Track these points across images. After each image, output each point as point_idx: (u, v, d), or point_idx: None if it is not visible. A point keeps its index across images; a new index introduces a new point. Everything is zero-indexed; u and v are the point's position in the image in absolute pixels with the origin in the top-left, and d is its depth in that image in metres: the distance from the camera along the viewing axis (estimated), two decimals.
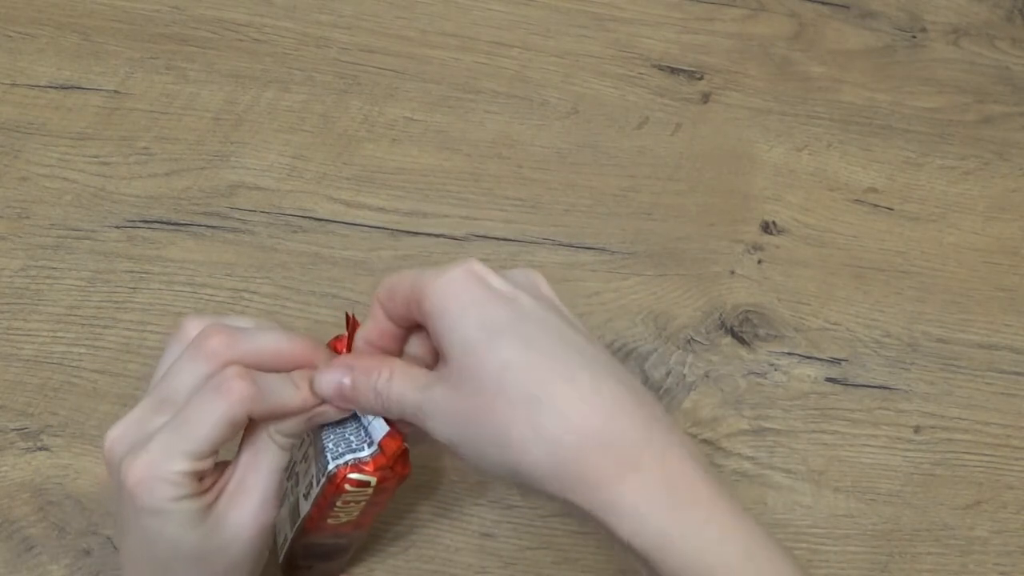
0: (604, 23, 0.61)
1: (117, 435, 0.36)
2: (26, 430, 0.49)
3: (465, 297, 0.34)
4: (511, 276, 0.36)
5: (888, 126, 0.60)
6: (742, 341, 0.54)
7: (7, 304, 0.51)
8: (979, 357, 0.55)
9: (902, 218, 0.58)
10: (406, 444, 0.38)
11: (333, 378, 0.37)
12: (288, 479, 0.40)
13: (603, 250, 0.55)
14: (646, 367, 0.53)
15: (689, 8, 0.62)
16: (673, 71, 0.60)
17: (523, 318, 0.34)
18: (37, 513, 0.47)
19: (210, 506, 0.36)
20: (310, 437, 0.41)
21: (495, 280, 0.35)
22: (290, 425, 0.37)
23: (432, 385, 0.35)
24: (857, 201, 0.58)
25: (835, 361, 0.54)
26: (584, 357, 0.34)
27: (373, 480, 0.38)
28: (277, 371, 0.37)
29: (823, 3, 0.63)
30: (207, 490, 0.36)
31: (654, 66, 0.60)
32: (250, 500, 0.36)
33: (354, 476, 0.38)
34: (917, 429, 0.53)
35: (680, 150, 0.58)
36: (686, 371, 0.53)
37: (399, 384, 0.36)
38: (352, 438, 0.39)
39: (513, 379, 0.33)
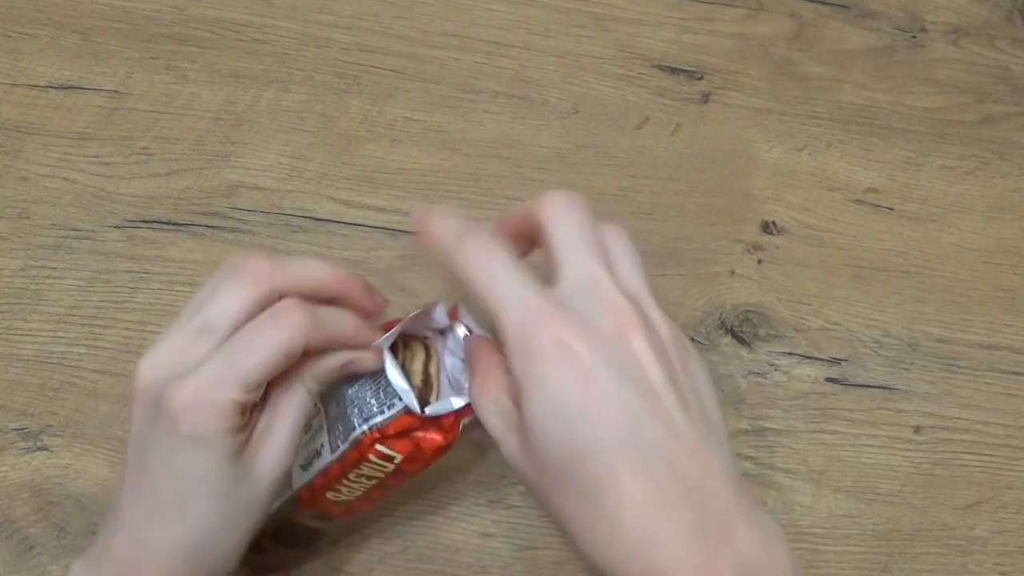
0: (604, 23, 0.61)
1: (154, 363, 0.35)
2: (26, 430, 0.49)
3: (542, 368, 0.31)
4: (598, 330, 0.32)
5: (888, 126, 0.60)
6: (742, 341, 0.54)
7: (7, 304, 0.51)
8: (979, 357, 0.55)
9: (902, 218, 0.58)
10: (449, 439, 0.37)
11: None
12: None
13: None
14: None
15: (689, 8, 0.62)
16: (673, 71, 0.60)
17: (597, 406, 0.31)
18: (37, 513, 0.47)
19: (244, 445, 0.35)
20: (320, 408, 0.39)
21: (579, 347, 0.31)
22: (326, 368, 0.36)
23: (510, 431, 0.34)
24: (857, 201, 0.58)
25: (835, 361, 0.54)
26: (654, 458, 0.31)
27: (399, 457, 0.37)
28: (319, 301, 0.36)
29: (823, 3, 0.63)
30: (245, 427, 0.35)
31: (654, 66, 0.60)
32: (277, 444, 0.36)
33: (381, 448, 0.37)
34: (917, 429, 0.53)
35: (680, 150, 0.58)
36: None
37: (489, 401, 0.35)
38: (373, 401, 0.37)
39: (571, 471, 0.31)
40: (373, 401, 0.38)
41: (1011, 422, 0.54)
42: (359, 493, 0.39)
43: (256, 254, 0.36)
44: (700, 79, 0.60)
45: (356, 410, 0.38)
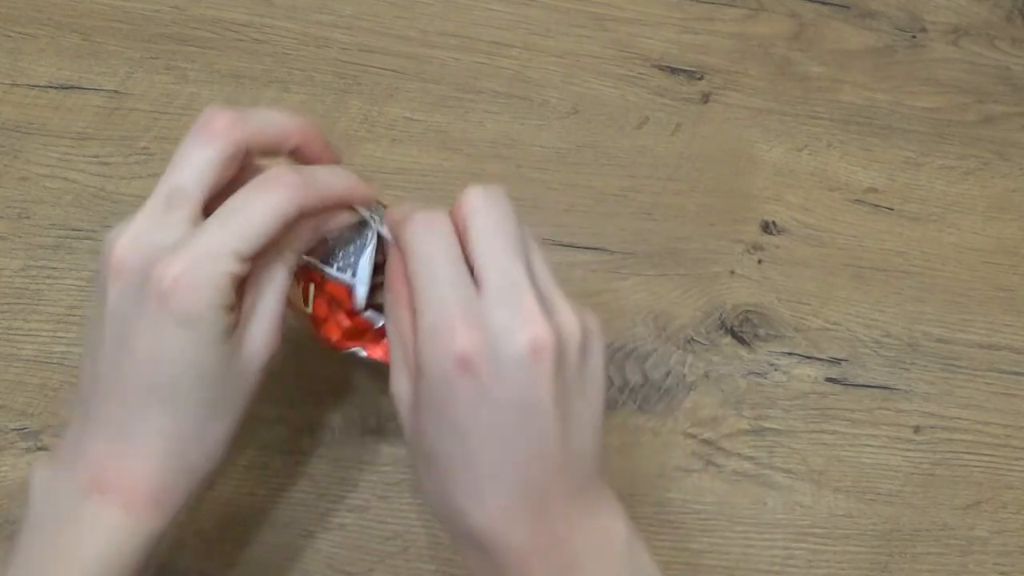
0: (604, 23, 0.61)
1: (129, 240, 0.33)
2: (26, 430, 0.49)
3: (436, 365, 0.32)
4: (498, 343, 0.32)
5: (888, 126, 0.60)
6: (742, 341, 0.54)
7: (7, 304, 0.51)
8: (979, 357, 0.55)
9: (902, 218, 0.58)
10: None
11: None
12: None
13: (603, 250, 0.55)
14: (646, 367, 0.53)
15: (689, 8, 0.62)
16: (673, 71, 0.60)
17: (480, 402, 0.32)
18: None
19: (233, 325, 0.33)
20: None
21: (478, 362, 0.32)
22: (303, 237, 0.35)
23: (402, 385, 0.35)
24: (857, 201, 0.58)
25: (835, 361, 0.54)
26: (516, 457, 0.33)
27: (310, 311, 0.38)
28: (283, 151, 0.35)
29: (823, 3, 0.63)
30: (236, 304, 0.33)
31: (654, 66, 0.60)
32: (266, 324, 0.34)
33: (309, 293, 0.38)
34: (917, 429, 0.53)
35: (680, 150, 0.58)
36: (686, 371, 0.53)
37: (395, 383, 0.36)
38: (340, 253, 0.38)
39: (439, 445, 0.33)
40: (340, 253, 0.37)
41: (1011, 422, 0.54)
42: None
43: (215, 106, 0.34)
44: (700, 79, 0.60)
45: (339, 247, 0.37)
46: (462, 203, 0.34)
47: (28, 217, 0.53)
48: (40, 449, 0.48)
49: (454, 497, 0.33)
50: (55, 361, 0.50)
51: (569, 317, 0.34)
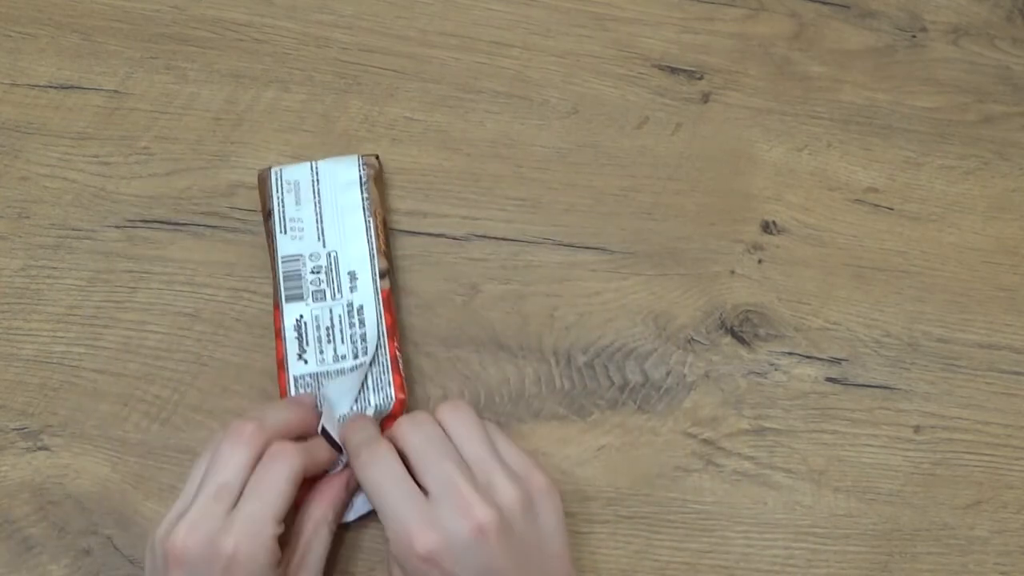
0: (604, 23, 0.61)
1: (188, 529, 0.40)
2: (26, 430, 0.49)
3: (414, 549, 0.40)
4: (458, 536, 0.40)
5: (888, 126, 0.60)
6: (742, 341, 0.54)
7: (7, 304, 0.51)
8: (979, 357, 0.55)
9: (902, 218, 0.58)
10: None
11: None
12: None
13: (603, 250, 0.55)
14: (646, 367, 0.53)
15: (689, 8, 0.62)
16: (673, 71, 0.60)
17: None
18: (37, 513, 0.47)
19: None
20: None
21: (444, 554, 0.40)
22: (340, 499, 0.45)
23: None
24: (857, 201, 0.58)
25: (835, 361, 0.54)
26: None
27: None
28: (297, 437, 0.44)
29: (823, 3, 0.63)
30: (281, 561, 0.41)
31: (654, 66, 0.60)
32: (312, 572, 0.43)
33: None
34: (917, 429, 0.53)
35: (680, 150, 0.58)
36: (686, 371, 0.53)
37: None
38: None
39: None
40: None
41: (1011, 422, 0.54)
42: None
43: (240, 419, 0.43)
44: (700, 79, 0.60)
45: None
46: (393, 434, 0.44)
47: (28, 217, 0.53)
48: (40, 449, 0.48)
49: None
50: (55, 361, 0.50)
51: (508, 491, 0.42)
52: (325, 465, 0.45)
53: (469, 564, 0.40)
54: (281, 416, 0.44)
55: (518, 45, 0.59)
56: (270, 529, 0.40)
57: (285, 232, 0.50)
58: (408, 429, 0.44)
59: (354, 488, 0.46)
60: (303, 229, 0.50)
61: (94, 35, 0.57)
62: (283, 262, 0.49)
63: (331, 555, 0.47)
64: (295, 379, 0.47)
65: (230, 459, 0.42)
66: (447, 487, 0.41)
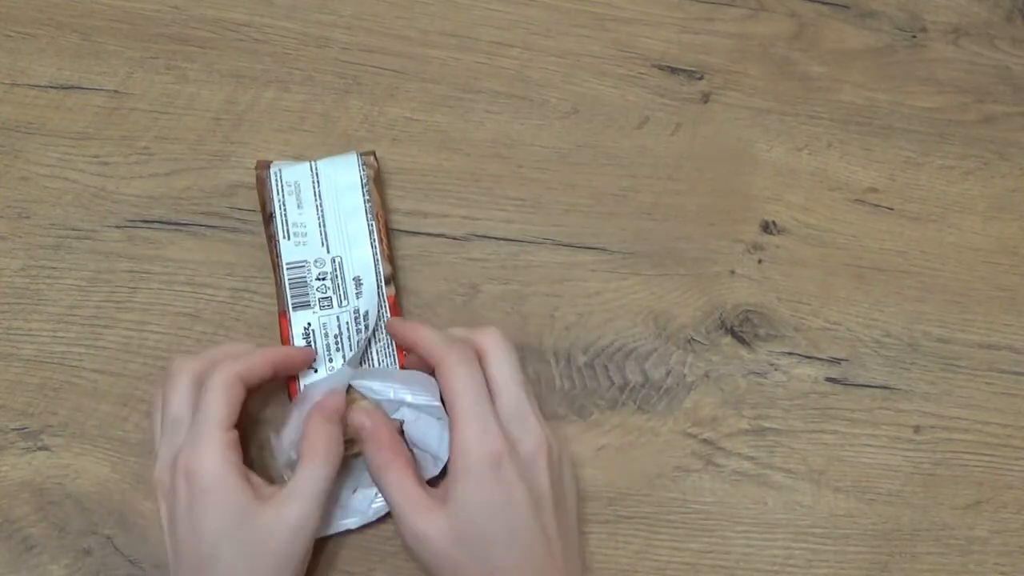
0: (604, 23, 0.61)
1: (158, 467, 0.43)
2: (26, 430, 0.49)
3: (476, 473, 0.42)
4: (520, 455, 0.43)
5: (888, 126, 0.60)
6: (742, 341, 0.54)
7: (7, 304, 0.51)
8: (979, 357, 0.55)
9: (902, 218, 0.58)
10: None
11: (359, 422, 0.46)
12: None
13: (603, 250, 0.55)
14: (646, 367, 0.53)
15: (689, 8, 0.62)
16: (673, 71, 0.60)
17: (506, 505, 0.42)
18: (37, 513, 0.47)
19: (260, 500, 0.42)
20: None
21: (509, 472, 0.42)
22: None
23: (421, 520, 0.43)
24: (857, 201, 0.58)
25: (835, 361, 0.54)
26: (532, 556, 0.42)
27: None
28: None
29: (823, 3, 0.63)
30: (252, 483, 0.42)
31: (654, 66, 0.60)
32: (297, 501, 0.42)
33: None
34: (917, 429, 0.53)
35: (680, 150, 0.58)
36: (686, 371, 0.53)
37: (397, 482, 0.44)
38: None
39: (475, 544, 0.42)
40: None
41: (1011, 422, 0.54)
42: None
43: (173, 358, 0.45)
44: (700, 79, 0.60)
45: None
46: (483, 337, 0.46)
47: (28, 217, 0.53)
48: (40, 449, 0.48)
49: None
50: (55, 361, 0.50)
51: (548, 432, 0.45)
52: (270, 369, 0.45)
53: (527, 477, 0.43)
54: (216, 349, 0.46)
55: (518, 45, 0.59)
56: (215, 435, 0.42)
57: (288, 238, 0.50)
58: (499, 340, 0.46)
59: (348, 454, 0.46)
60: (306, 234, 0.50)
61: (94, 35, 0.57)
62: (288, 269, 0.49)
63: (331, 555, 0.47)
64: (306, 388, 0.47)
65: (172, 394, 0.44)
66: (519, 406, 0.44)
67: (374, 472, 0.44)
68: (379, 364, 0.48)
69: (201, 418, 0.42)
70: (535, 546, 0.42)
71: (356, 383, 0.47)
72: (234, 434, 0.43)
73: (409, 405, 0.46)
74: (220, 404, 0.42)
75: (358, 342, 0.48)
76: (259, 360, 0.44)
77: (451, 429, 0.43)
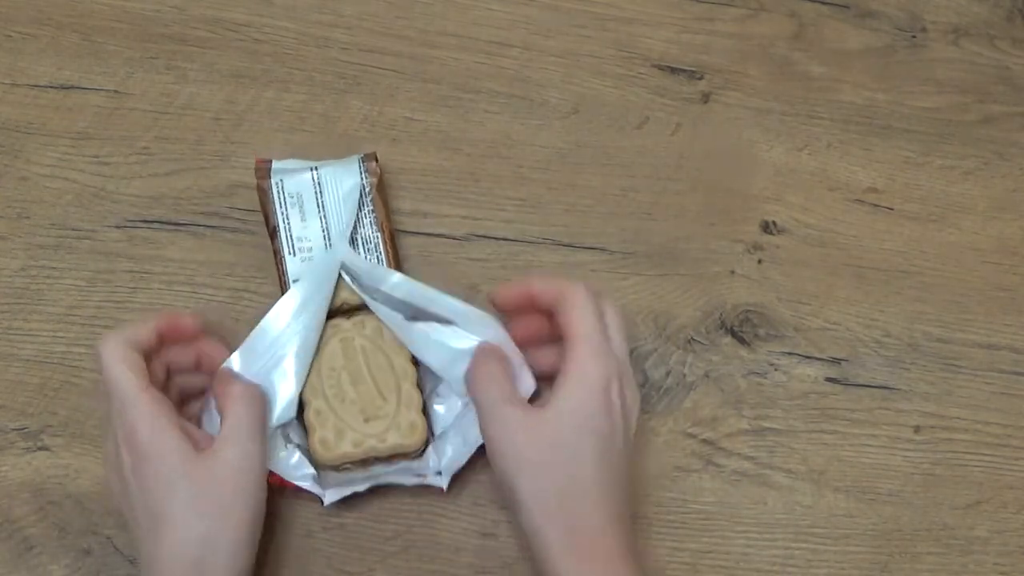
0: (604, 23, 0.61)
1: (105, 443, 0.44)
2: (26, 430, 0.49)
3: (591, 402, 0.44)
4: (627, 387, 0.45)
5: (888, 126, 0.60)
6: (742, 341, 0.54)
7: (7, 304, 0.51)
8: (979, 357, 0.55)
9: (902, 218, 0.58)
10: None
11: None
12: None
13: (603, 250, 0.55)
14: (646, 367, 0.53)
15: (689, 8, 0.62)
16: (673, 71, 0.60)
17: (611, 431, 0.44)
18: (37, 513, 0.47)
19: (200, 451, 0.42)
20: None
21: (616, 400, 0.44)
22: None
23: (532, 411, 0.44)
24: (857, 201, 0.58)
25: (835, 361, 0.54)
26: (613, 480, 0.44)
27: None
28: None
29: (823, 3, 0.63)
30: (191, 435, 0.43)
31: (654, 66, 0.60)
32: (232, 442, 0.43)
33: None
34: (917, 429, 0.53)
35: (680, 150, 0.58)
36: (686, 371, 0.53)
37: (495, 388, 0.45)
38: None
39: (561, 455, 0.43)
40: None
41: (1011, 422, 0.54)
42: None
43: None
44: (700, 79, 0.60)
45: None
46: (600, 293, 0.47)
47: (28, 217, 0.53)
48: (40, 449, 0.48)
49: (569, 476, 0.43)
50: (55, 361, 0.50)
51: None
52: (154, 331, 0.45)
53: (625, 413, 0.45)
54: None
55: (518, 45, 0.59)
56: (135, 399, 0.42)
57: (294, 254, 0.49)
58: (610, 302, 0.47)
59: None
60: (311, 248, 0.49)
61: (94, 35, 0.57)
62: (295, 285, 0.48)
63: (331, 555, 0.47)
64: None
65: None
66: (626, 357, 0.46)
67: (468, 374, 0.46)
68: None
69: (113, 389, 0.42)
70: (615, 472, 0.44)
71: (349, 263, 0.48)
72: (154, 392, 0.43)
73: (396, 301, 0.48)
74: (120, 370, 0.42)
75: (347, 222, 0.49)
76: (143, 325, 0.45)
77: (570, 347, 0.44)
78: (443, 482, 0.47)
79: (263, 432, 0.44)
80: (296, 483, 0.46)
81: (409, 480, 0.47)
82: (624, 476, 0.44)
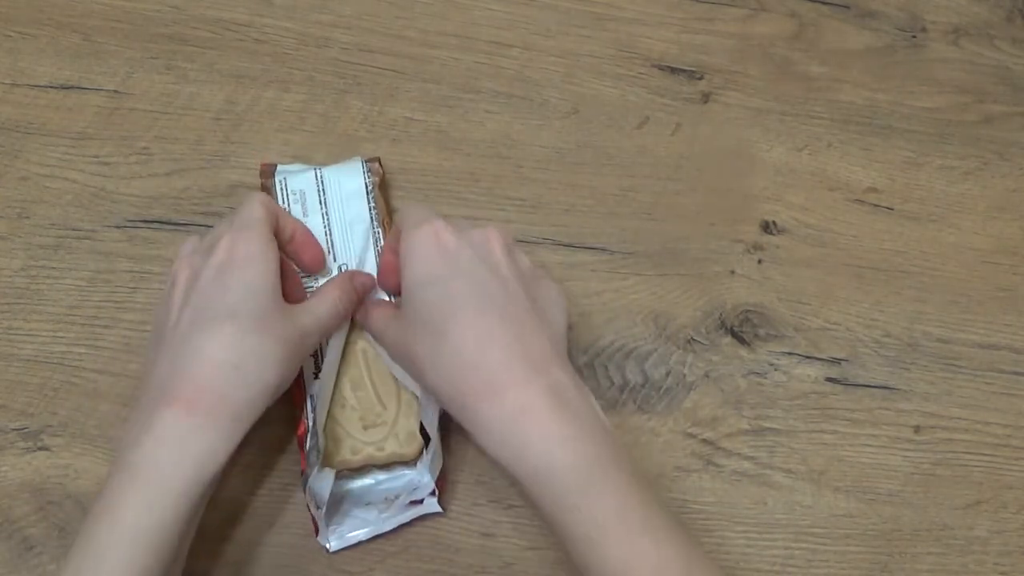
0: (604, 23, 0.61)
1: (183, 257, 0.46)
2: (26, 430, 0.49)
3: (419, 251, 0.43)
4: (468, 235, 0.43)
5: (888, 126, 0.60)
6: (742, 341, 0.54)
7: (7, 304, 0.51)
8: (979, 357, 0.55)
9: (902, 218, 0.58)
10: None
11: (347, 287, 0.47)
12: None
13: (603, 250, 0.55)
14: (646, 367, 0.53)
15: (689, 8, 0.62)
16: (673, 71, 0.60)
17: (455, 273, 0.42)
18: (37, 513, 0.47)
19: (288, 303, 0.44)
20: None
21: (449, 238, 0.43)
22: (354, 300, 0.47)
23: (391, 318, 0.45)
24: (857, 201, 0.58)
25: (835, 361, 0.54)
26: (493, 307, 0.41)
27: None
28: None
29: (823, 3, 0.63)
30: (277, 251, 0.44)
31: (654, 66, 0.60)
32: (312, 315, 0.44)
33: None
34: (917, 429, 0.53)
35: (680, 150, 0.58)
36: (686, 371, 0.53)
37: (373, 315, 0.47)
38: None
39: (429, 317, 0.41)
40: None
41: (1011, 422, 0.54)
42: None
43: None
44: (700, 79, 0.60)
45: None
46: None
47: (28, 217, 0.53)
48: (40, 449, 0.48)
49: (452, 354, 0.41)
50: (55, 361, 0.50)
51: (523, 258, 0.46)
52: (293, 230, 0.47)
53: (474, 247, 0.43)
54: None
55: (518, 45, 0.59)
56: (261, 227, 0.43)
57: None
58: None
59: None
60: None
61: (94, 35, 0.57)
62: None
63: (331, 555, 0.47)
64: (312, 397, 0.47)
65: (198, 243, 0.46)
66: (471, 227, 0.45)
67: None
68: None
69: (242, 217, 0.44)
70: (493, 311, 0.41)
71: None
72: (276, 245, 0.44)
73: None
74: (261, 209, 0.44)
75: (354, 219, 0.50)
76: (291, 218, 0.47)
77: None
78: (438, 507, 0.47)
79: (340, 337, 0.47)
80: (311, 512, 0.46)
81: (408, 517, 0.47)
82: (526, 314, 0.42)
